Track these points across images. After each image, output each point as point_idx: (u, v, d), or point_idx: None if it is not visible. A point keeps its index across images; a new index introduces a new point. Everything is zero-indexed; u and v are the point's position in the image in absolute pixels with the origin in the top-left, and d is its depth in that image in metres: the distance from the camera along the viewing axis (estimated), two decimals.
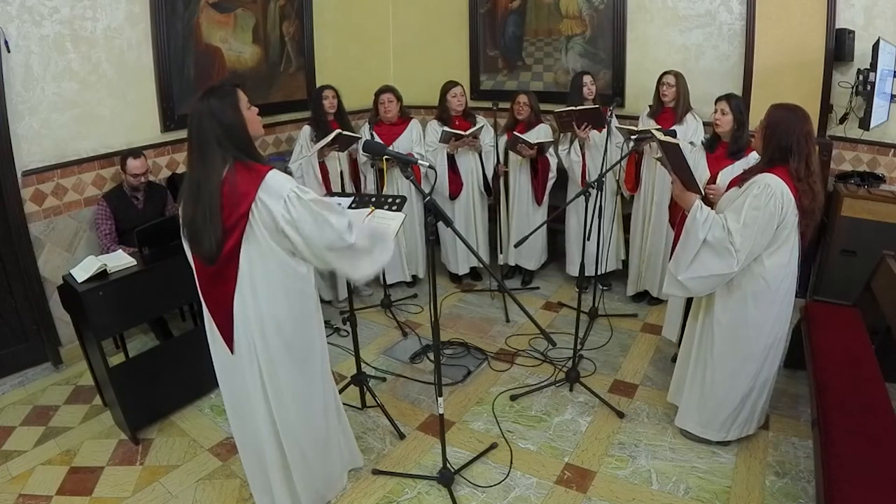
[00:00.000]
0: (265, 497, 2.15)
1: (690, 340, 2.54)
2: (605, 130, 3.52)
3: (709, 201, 2.47)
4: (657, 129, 2.69)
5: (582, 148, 3.78)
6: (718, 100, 2.77)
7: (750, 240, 2.13)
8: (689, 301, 2.82)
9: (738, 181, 2.29)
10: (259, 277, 1.80)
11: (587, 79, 3.75)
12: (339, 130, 3.39)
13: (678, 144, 2.23)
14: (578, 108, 3.59)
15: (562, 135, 3.83)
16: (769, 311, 2.27)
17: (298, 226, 1.75)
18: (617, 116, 3.79)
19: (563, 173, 3.99)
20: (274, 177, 1.74)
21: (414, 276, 4.25)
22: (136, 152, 3.27)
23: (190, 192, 1.76)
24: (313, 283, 1.95)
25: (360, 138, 3.63)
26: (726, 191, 2.39)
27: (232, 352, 1.89)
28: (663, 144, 2.30)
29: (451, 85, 3.92)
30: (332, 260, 1.85)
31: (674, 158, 2.29)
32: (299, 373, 1.96)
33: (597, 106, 3.63)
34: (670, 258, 2.46)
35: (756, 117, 2.83)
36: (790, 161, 2.10)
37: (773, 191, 2.08)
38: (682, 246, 2.27)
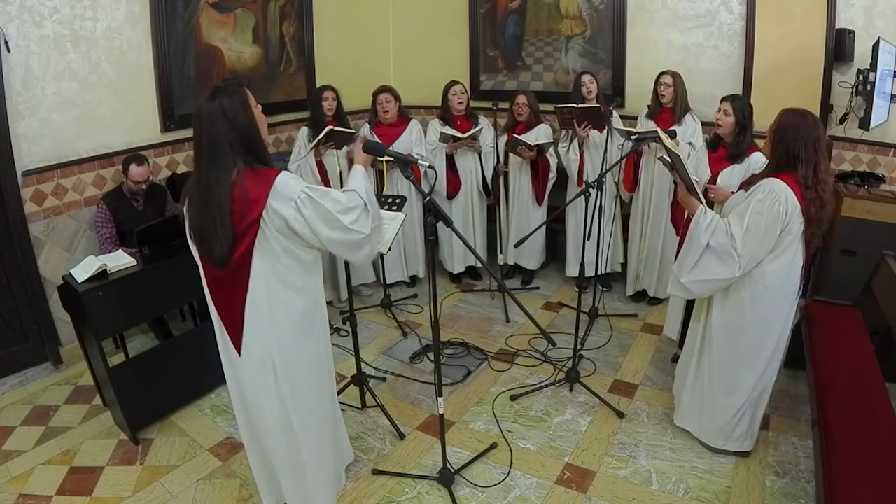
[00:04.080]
0: (270, 498, 2.14)
1: (693, 345, 2.52)
2: (605, 131, 3.52)
3: (709, 201, 2.46)
4: (663, 133, 2.63)
5: (581, 146, 3.78)
6: (723, 100, 2.74)
7: (752, 245, 2.10)
8: (689, 301, 2.83)
9: (746, 184, 2.26)
10: (273, 279, 1.79)
11: (586, 78, 3.75)
12: (330, 127, 3.38)
13: (679, 155, 2.25)
14: (580, 105, 3.59)
15: (563, 131, 3.84)
16: (766, 316, 2.23)
17: (310, 223, 1.74)
18: (618, 117, 3.79)
19: (563, 173, 3.99)
20: (283, 181, 1.71)
21: (412, 277, 4.25)
22: (140, 159, 3.22)
23: (199, 194, 1.73)
24: (321, 276, 1.95)
25: (354, 133, 3.61)
26: (736, 191, 2.36)
27: (239, 354, 1.88)
28: (669, 150, 2.30)
29: (451, 84, 3.93)
30: (339, 250, 1.84)
31: (678, 165, 2.30)
32: (314, 372, 1.95)
33: (598, 105, 3.63)
34: (676, 257, 2.44)
35: (757, 118, 2.84)
36: (798, 167, 2.06)
37: (777, 195, 2.05)
38: (685, 249, 2.26)
